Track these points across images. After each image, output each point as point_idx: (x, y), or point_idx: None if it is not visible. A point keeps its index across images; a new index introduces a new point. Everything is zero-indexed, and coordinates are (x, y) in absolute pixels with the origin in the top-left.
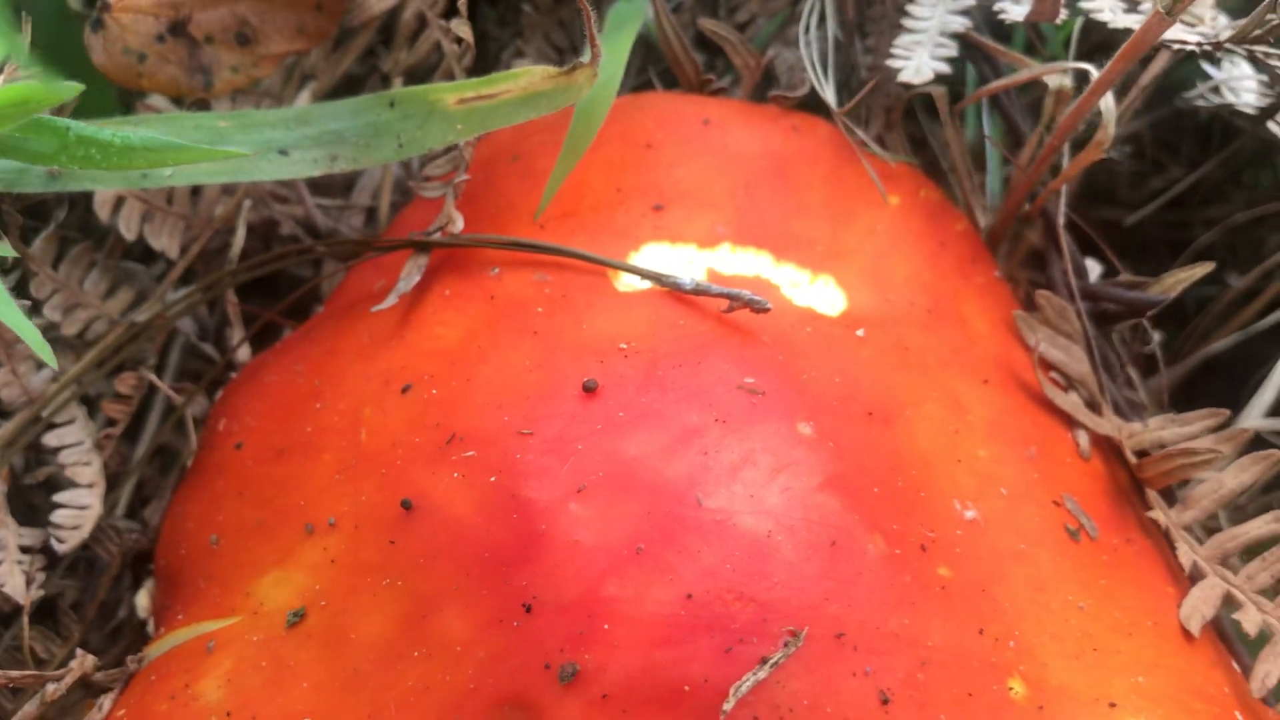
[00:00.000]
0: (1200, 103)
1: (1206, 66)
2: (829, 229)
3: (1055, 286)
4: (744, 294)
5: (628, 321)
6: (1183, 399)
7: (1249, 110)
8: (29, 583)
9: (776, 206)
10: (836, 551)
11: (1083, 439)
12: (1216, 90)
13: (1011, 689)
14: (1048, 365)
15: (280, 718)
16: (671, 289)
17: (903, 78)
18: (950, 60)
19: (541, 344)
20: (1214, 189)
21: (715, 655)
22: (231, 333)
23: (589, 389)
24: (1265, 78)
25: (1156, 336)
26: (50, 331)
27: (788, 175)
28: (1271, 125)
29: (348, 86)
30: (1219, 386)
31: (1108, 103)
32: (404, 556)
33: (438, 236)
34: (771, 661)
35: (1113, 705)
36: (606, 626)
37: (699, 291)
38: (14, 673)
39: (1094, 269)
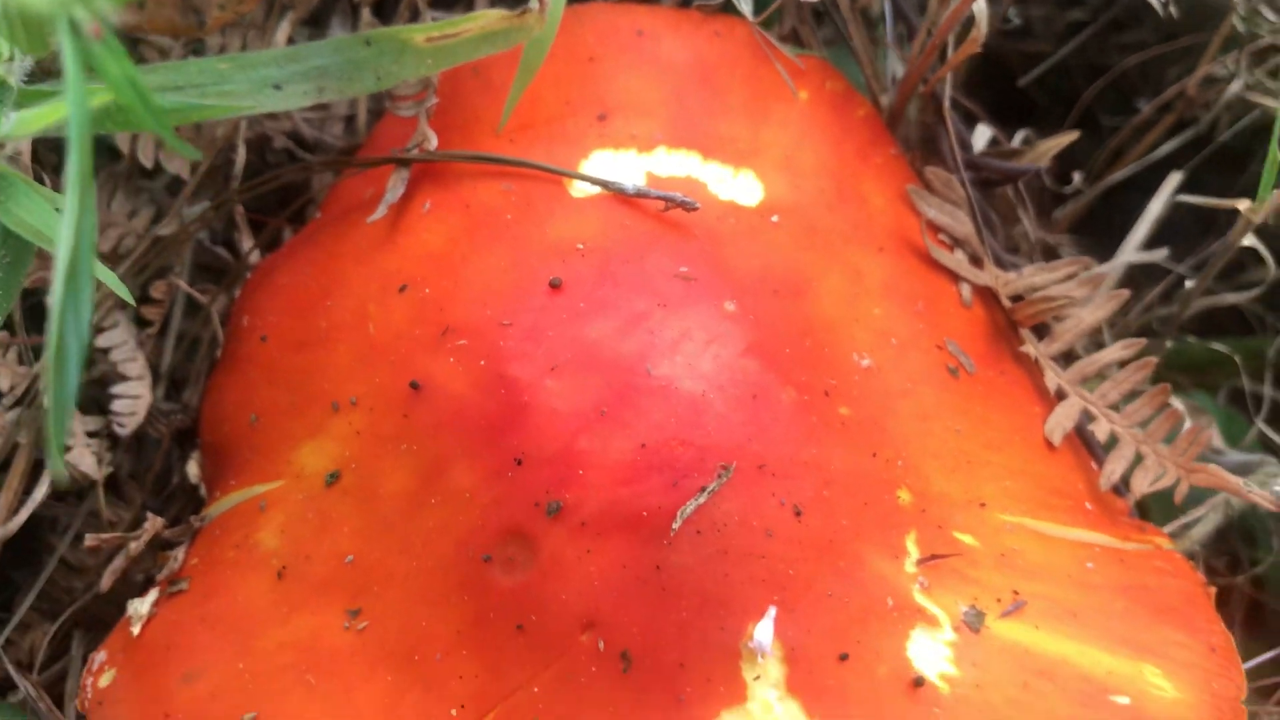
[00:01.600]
0: None
1: None
2: (748, 127)
3: (943, 160)
4: (676, 196)
5: (583, 224)
6: (1087, 228)
7: None
8: (99, 462)
9: (703, 110)
10: (757, 403)
11: (965, 291)
12: None
13: (900, 497)
14: (936, 230)
15: (328, 556)
16: (617, 193)
17: None
18: None
19: (513, 248)
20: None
21: (665, 489)
22: (241, 238)
23: (555, 285)
24: None
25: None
26: None
27: (711, 80)
28: None
29: (323, 12)
30: (1120, 215)
31: (980, 6)
32: (416, 427)
33: (415, 154)
34: (708, 490)
35: (983, 505)
36: (581, 472)
37: (640, 194)
38: (104, 535)
39: (986, 134)
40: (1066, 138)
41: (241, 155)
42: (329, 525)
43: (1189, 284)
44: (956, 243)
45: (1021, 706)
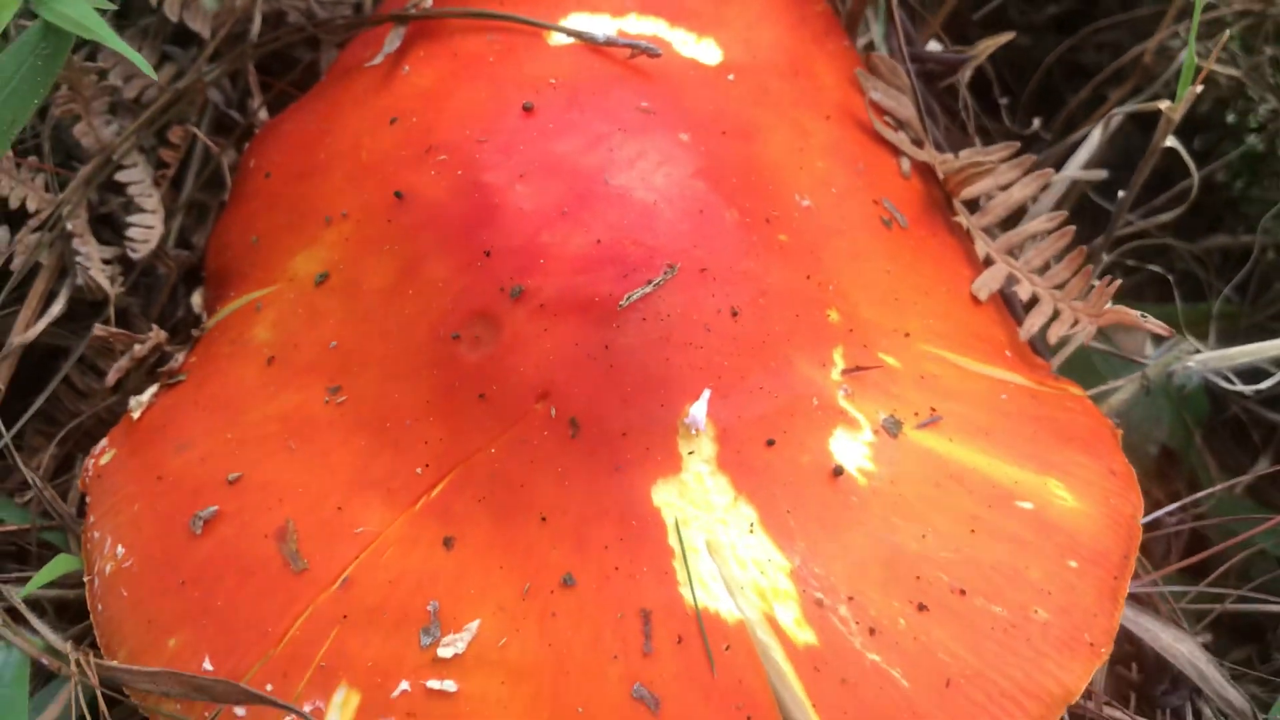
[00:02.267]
0: None
1: None
2: (713, 5)
3: (888, 51)
4: (642, 44)
5: (556, 65)
6: None
7: None
8: (112, 281)
9: None
10: (703, 217)
11: (905, 164)
12: None
13: (829, 316)
14: (881, 111)
15: (314, 344)
16: (589, 42)
17: None
18: None
19: (492, 82)
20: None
21: (616, 279)
22: (252, 101)
23: (527, 109)
24: None
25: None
26: (115, 94)
27: None
28: None
29: None
30: None
31: None
32: (398, 229)
33: (412, 11)
34: (654, 282)
35: (907, 335)
36: (542, 261)
37: (609, 43)
38: (113, 329)
39: (935, 46)
40: (1004, 36)
41: (257, 22)
42: (316, 318)
43: (1121, 194)
44: (900, 124)
45: (931, 502)
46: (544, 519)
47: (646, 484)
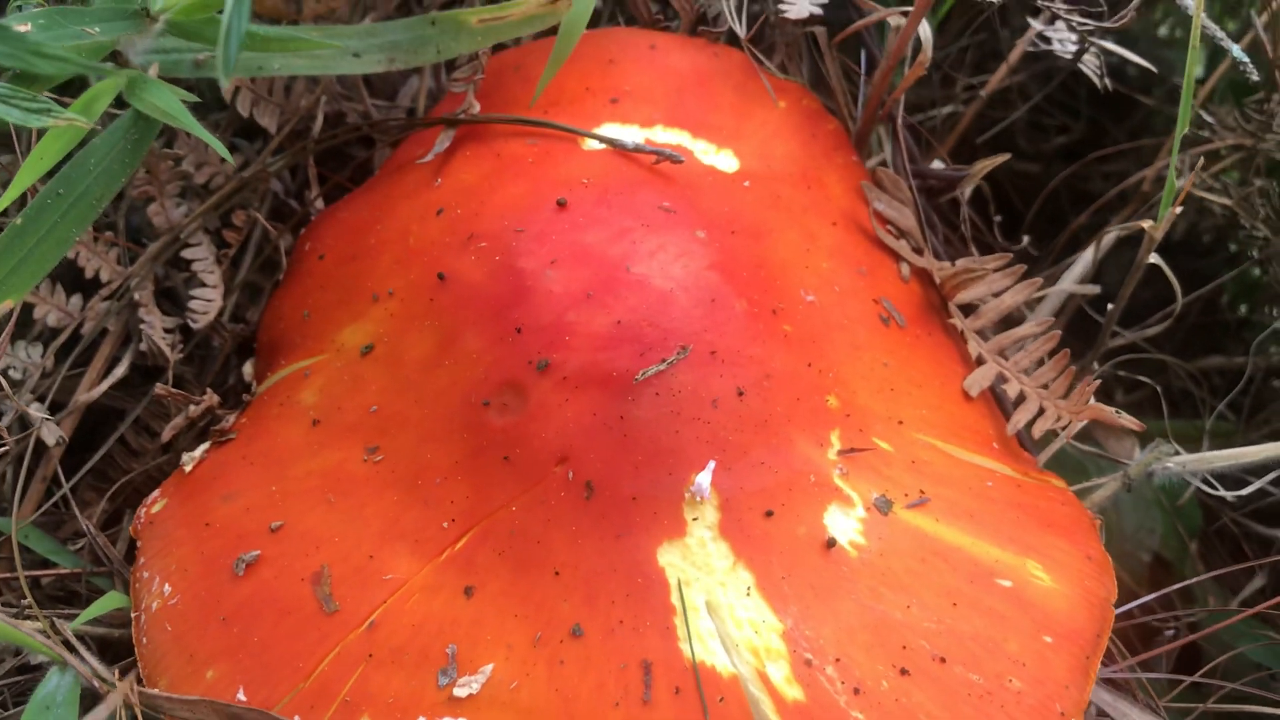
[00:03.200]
0: (1030, 48)
1: (1030, 20)
2: (733, 120)
3: (894, 168)
4: (666, 151)
5: (588, 167)
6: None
7: (1065, 56)
8: (171, 348)
9: (697, 104)
10: (714, 305)
11: (904, 269)
12: (1043, 37)
13: (828, 401)
14: (884, 220)
15: (357, 408)
16: (619, 149)
17: (788, 15)
18: (824, 6)
19: (531, 180)
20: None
21: (633, 356)
22: (310, 191)
23: (561, 204)
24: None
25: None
26: (186, 179)
27: (707, 84)
28: (1082, 65)
29: (399, 12)
30: None
31: (925, 32)
32: (439, 306)
33: (461, 116)
34: (668, 361)
35: (901, 423)
36: (567, 338)
37: (637, 149)
38: (172, 389)
39: (938, 164)
40: (1000, 158)
41: (319, 120)
42: (360, 385)
43: (1110, 307)
44: (901, 233)
45: (917, 576)
46: (557, 573)
47: (653, 545)
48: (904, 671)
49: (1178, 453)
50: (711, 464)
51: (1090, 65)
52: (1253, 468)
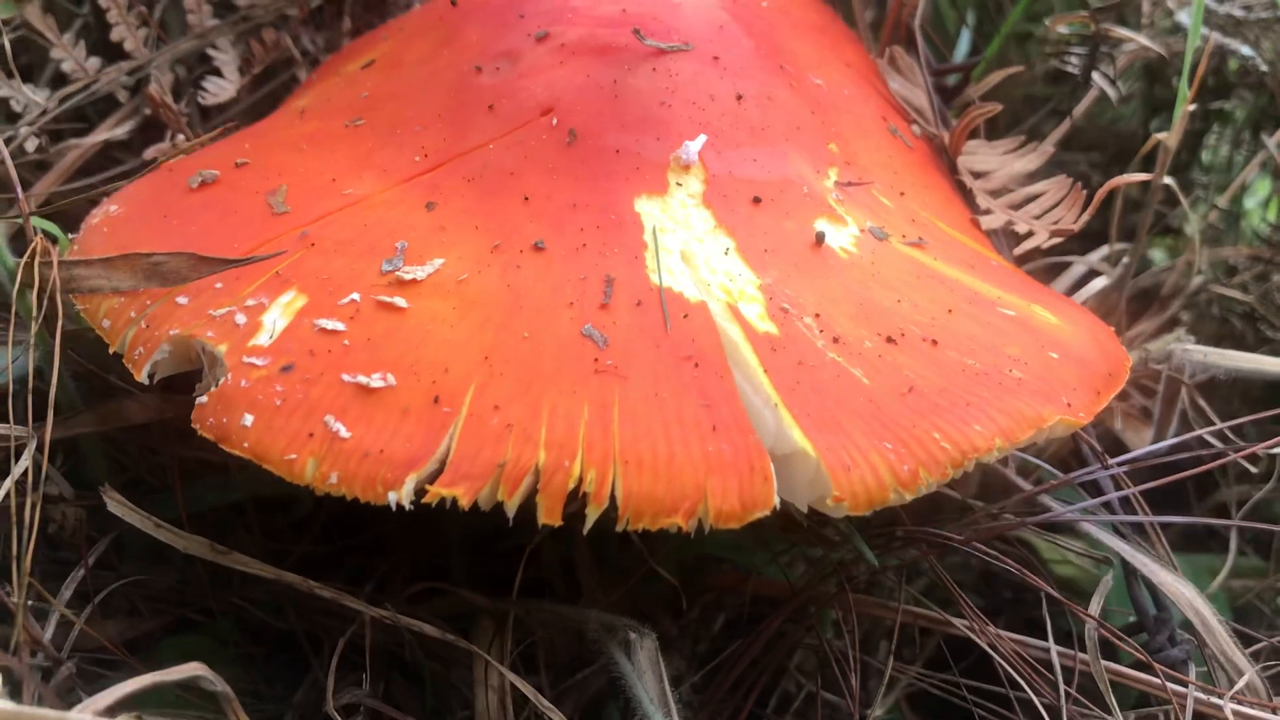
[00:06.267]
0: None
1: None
2: None
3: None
4: None
5: None
6: None
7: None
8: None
9: None
10: (722, 32)
11: (915, 129)
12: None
13: (829, 146)
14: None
15: (347, 97)
16: None
17: None
18: None
19: None
20: None
21: (633, 36)
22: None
23: None
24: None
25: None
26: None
27: None
28: (1095, 76)
29: None
30: None
31: None
32: (447, 19)
33: None
34: (669, 46)
35: (902, 194)
36: (569, 15)
37: None
38: (163, 97)
39: None
40: (1015, 69)
41: None
42: (354, 84)
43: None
44: (914, 110)
45: (910, 285)
46: (527, 199)
47: (631, 194)
48: (890, 340)
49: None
50: (703, 136)
51: (1101, 80)
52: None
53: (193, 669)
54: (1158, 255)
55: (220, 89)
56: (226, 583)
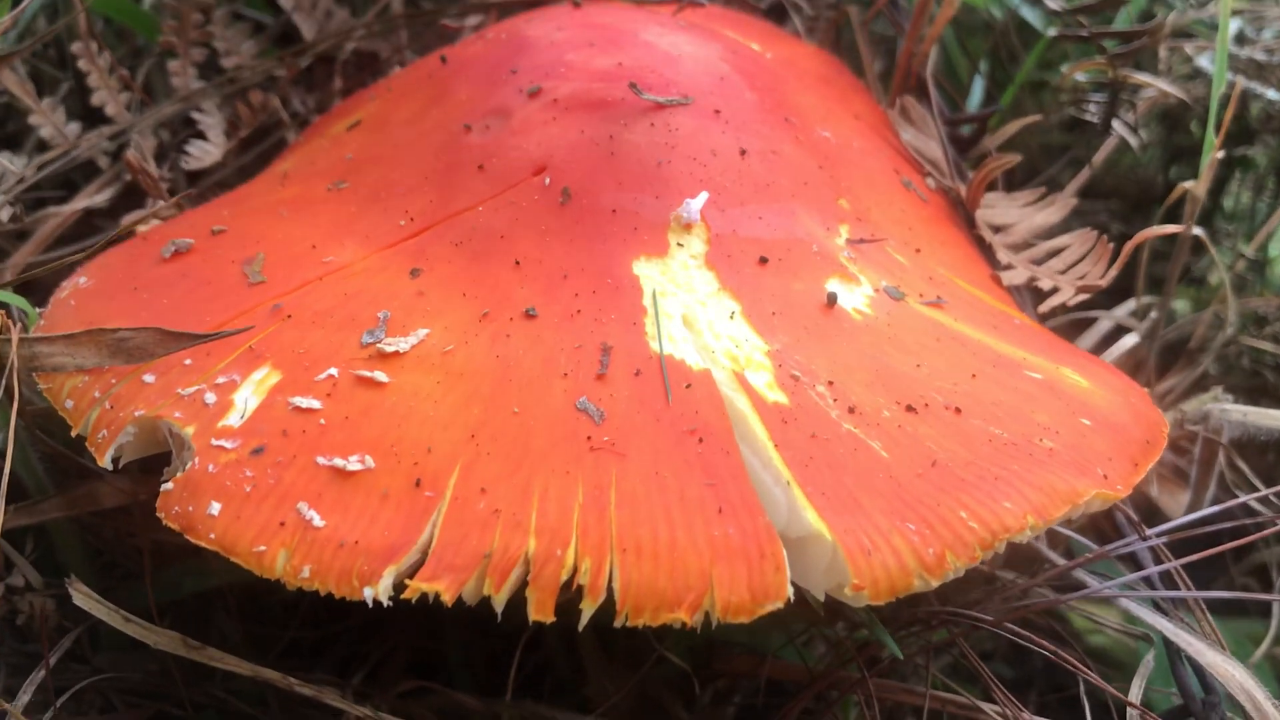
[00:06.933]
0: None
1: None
2: (764, 37)
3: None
4: None
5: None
6: None
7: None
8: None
9: (734, 22)
10: (724, 83)
11: (930, 182)
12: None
13: (839, 202)
14: (909, 149)
15: (331, 160)
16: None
17: None
18: None
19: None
20: None
21: (629, 90)
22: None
23: (576, 3)
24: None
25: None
26: (210, 48)
27: (742, 19)
28: (1115, 124)
29: None
30: None
31: None
32: (436, 78)
33: None
34: (668, 100)
35: (918, 251)
36: (563, 71)
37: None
38: (143, 162)
39: None
40: (1033, 119)
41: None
42: (338, 145)
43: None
44: (928, 162)
45: (930, 348)
46: (518, 263)
47: (629, 255)
48: (910, 409)
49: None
50: (705, 194)
51: (1122, 127)
52: None
53: None
54: (1181, 305)
55: (205, 153)
56: (208, 673)
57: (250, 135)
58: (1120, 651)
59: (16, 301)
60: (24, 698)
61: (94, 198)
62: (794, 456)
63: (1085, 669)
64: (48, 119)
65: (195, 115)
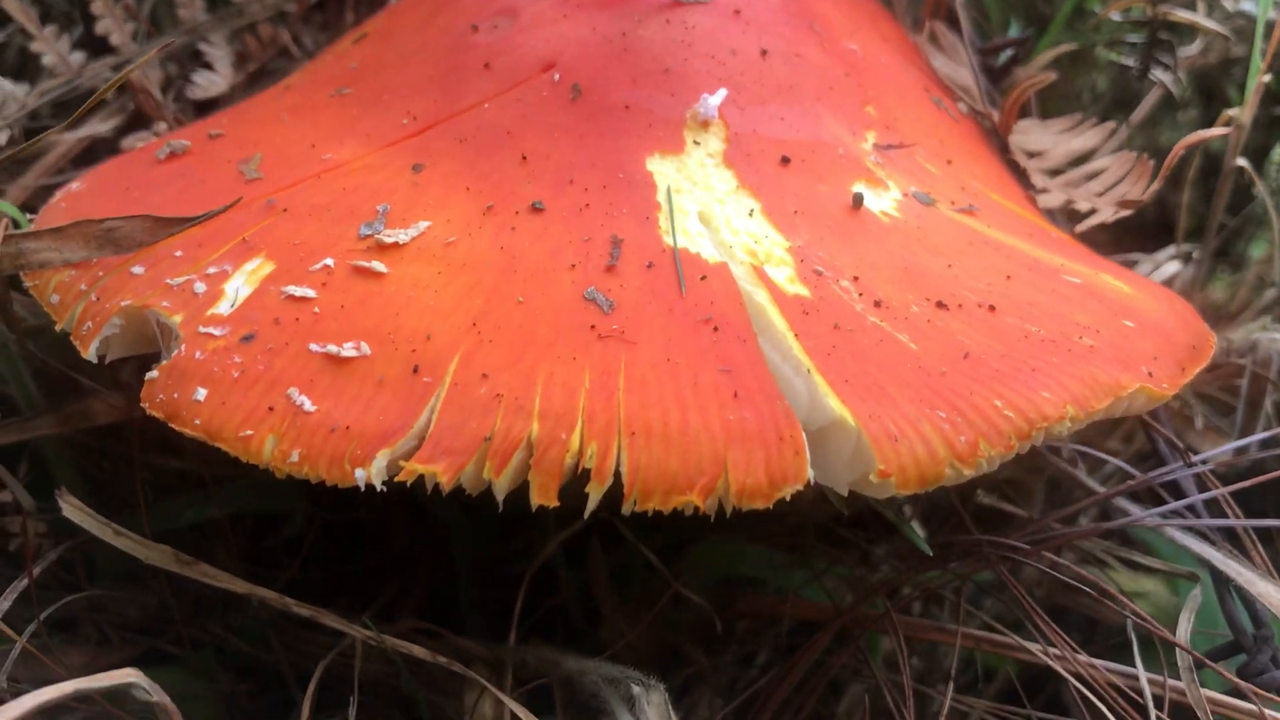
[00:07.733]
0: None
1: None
2: None
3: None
4: None
5: None
6: None
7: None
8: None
9: None
10: None
11: (962, 107)
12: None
13: (867, 109)
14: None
15: (334, 69)
16: None
17: None
18: None
19: None
20: None
21: None
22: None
23: None
24: None
25: None
26: None
27: None
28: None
29: None
30: None
31: None
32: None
33: None
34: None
35: (949, 162)
36: None
37: None
38: (143, 83)
39: None
40: (1068, 46)
41: None
42: (343, 57)
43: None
44: (958, 88)
45: (961, 251)
46: (524, 158)
47: (642, 152)
48: (941, 305)
49: None
50: (724, 90)
51: (1164, 77)
52: None
53: (125, 675)
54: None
55: (211, 82)
56: (207, 609)
57: (259, 70)
58: (1164, 605)
59: (8, 209)
60: (4, 604)
61: (99, 126)
62: (815, 345)
63: (1132, 606)
64: (50, 47)
65: (202, 47)
